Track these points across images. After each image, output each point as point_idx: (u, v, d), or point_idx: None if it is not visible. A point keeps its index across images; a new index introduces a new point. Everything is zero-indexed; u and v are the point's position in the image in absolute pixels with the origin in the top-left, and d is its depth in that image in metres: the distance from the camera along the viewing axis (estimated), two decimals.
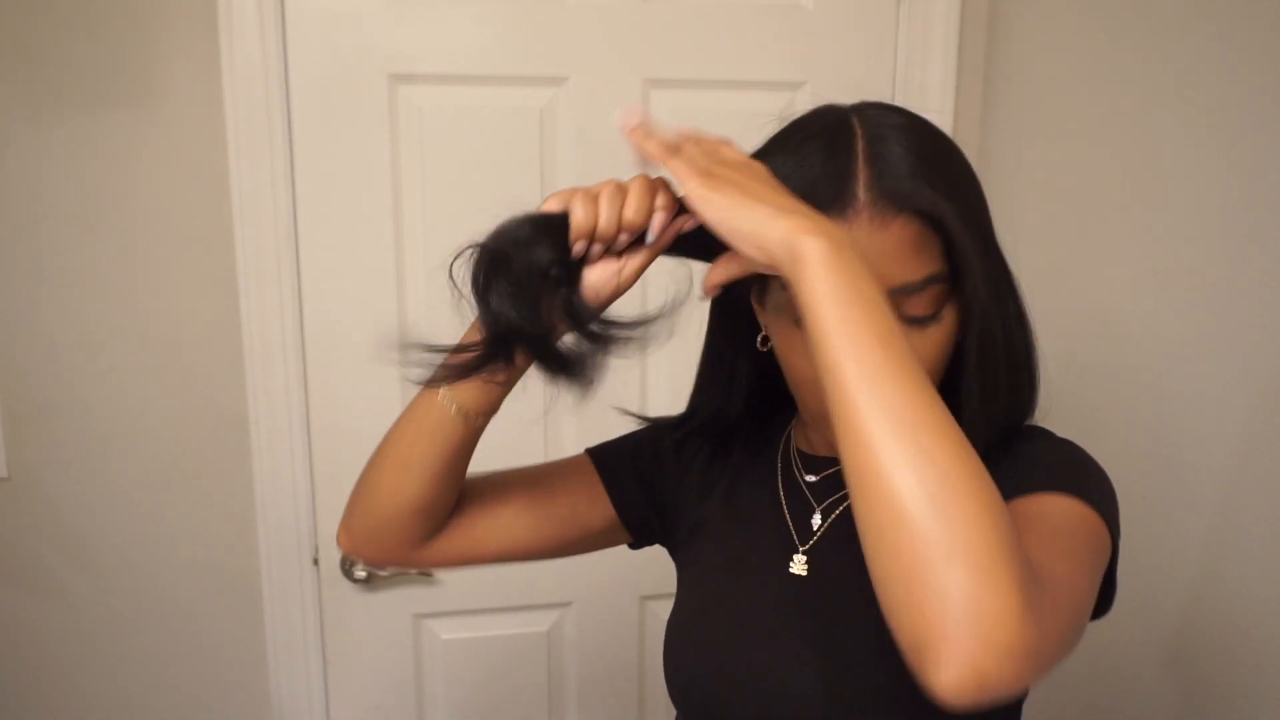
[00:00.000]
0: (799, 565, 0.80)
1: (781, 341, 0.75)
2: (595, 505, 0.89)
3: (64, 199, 1.35)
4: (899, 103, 0.72)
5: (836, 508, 0.81)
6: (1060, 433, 0.78)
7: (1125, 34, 1.35)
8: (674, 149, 0.64)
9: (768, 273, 0.62)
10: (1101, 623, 0.73)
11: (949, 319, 0.70)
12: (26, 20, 1.30)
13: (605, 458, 0.91)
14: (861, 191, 0.66)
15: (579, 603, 1.61)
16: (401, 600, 1.54)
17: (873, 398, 0.54)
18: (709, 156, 0.64)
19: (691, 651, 0.83)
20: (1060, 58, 1.48)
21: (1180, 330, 1.27)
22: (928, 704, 0.53)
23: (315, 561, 1.50)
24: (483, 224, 0.65)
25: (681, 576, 0.91)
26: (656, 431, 0.92)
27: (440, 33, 1.40)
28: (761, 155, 0.71)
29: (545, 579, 1.53)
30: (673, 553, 0.93)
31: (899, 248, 0.66)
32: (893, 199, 0.66)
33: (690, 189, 0.62)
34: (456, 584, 1.56)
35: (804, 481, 0.83)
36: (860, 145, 0.67)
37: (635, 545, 0.94)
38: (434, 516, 0.80)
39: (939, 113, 1.55)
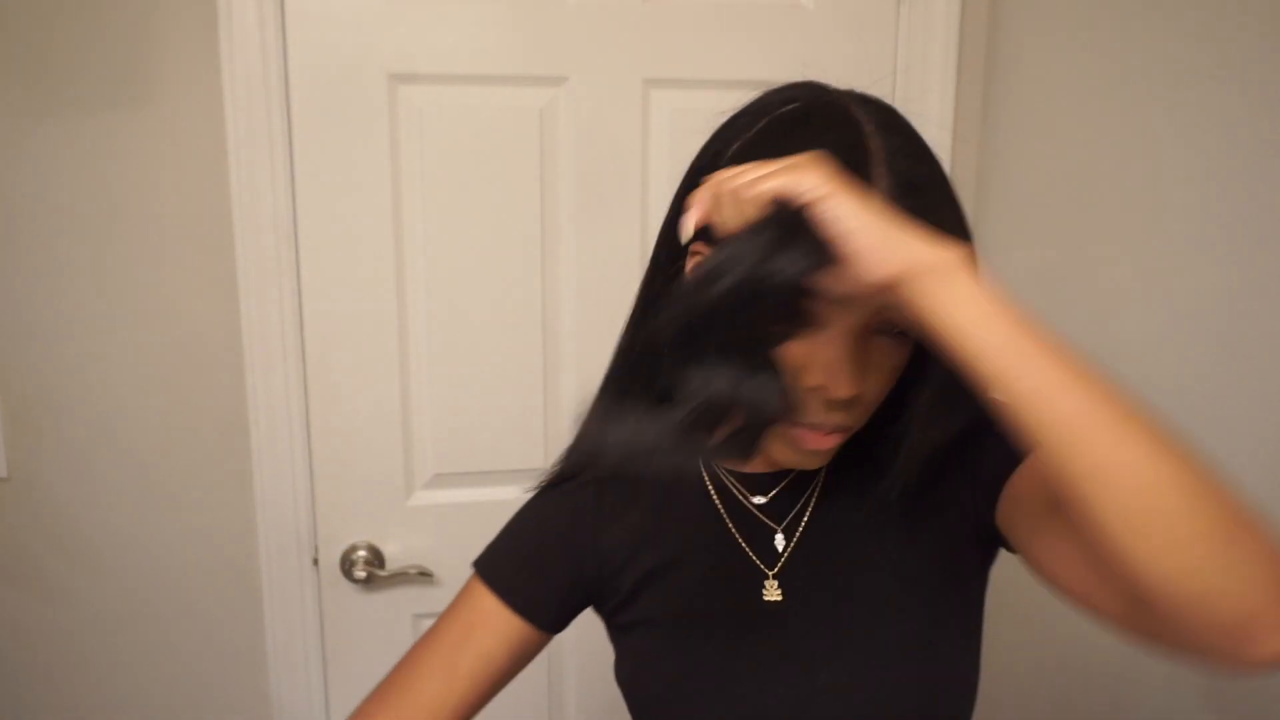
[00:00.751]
0: (772, 591, 0.76)
1: None
2: (515, 642, 0.81)
3: (63, 199, 1.35)
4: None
5: (798, 525, 0.78)
6: None
7: (1125, 34, 1.35)
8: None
9: (861, 293, 0.55)
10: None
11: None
12: (26, 20, 1.30)
13: (496, 573, 0.83)
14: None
15: None
16: (401, 600, 1.54)
17: (1103, 401, 0.51)
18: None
19: (682, 708, 0.77)
20: (1060, 58, 1.48)
21: (1183, 332, 1.27)
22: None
23: (315, 561, 1.51)
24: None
25: (633, 633, 0.82)
26: (544, 499, 0.84)
27: (440, 33, 1.40)
28: (746, 134, 0.67)
29: None
30: (611, 616, 0.84)
31: None
32: None
33: (809, 185, 0.54)
34: (456, 584, 1.55)
35: (751, 505, 0.79)
36: (875, 149, 0.62)
37: (559, 631, 0.85)
38: None
39: (939, 112, 1.55)
